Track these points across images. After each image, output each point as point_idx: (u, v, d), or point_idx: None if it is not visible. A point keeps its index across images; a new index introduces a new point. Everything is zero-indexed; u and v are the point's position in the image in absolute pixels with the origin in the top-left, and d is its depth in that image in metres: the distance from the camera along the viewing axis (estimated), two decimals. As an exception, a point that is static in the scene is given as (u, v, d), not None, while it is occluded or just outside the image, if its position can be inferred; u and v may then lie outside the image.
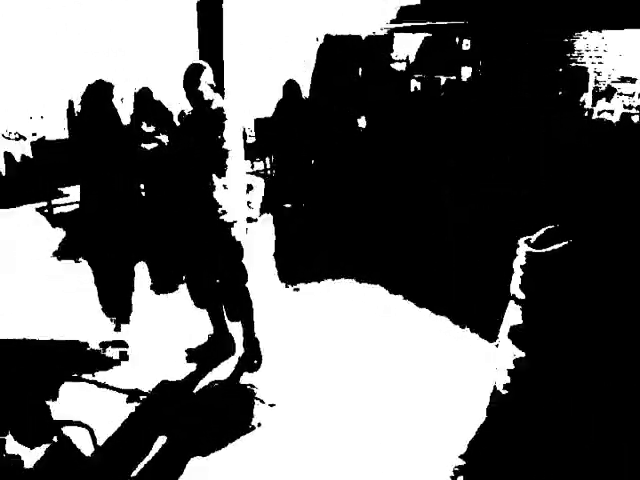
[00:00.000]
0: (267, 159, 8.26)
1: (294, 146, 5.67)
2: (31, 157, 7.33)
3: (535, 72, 4.64)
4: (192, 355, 3.63)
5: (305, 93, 6.54)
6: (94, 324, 3.98)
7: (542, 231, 2.47)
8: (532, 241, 2.46)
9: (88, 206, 3.97)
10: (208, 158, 3.05)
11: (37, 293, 4.47)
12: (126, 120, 3.88)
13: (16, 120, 8.10)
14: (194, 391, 3.30)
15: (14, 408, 3.03)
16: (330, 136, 6.32)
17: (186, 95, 3.07)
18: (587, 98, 4.40)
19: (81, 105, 3.81)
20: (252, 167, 8.99)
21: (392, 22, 6.01)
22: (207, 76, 3.06)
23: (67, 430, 2.91)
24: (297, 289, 4.70)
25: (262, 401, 3.21)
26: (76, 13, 8.41)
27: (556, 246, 2.25)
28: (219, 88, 7.19)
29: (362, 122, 6.31)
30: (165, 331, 3.95)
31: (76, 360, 3.54)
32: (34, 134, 7.99)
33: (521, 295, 2.41)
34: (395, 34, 5.90)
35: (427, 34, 5.57)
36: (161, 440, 2.89)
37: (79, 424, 2.95)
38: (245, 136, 8.37)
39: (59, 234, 5.86)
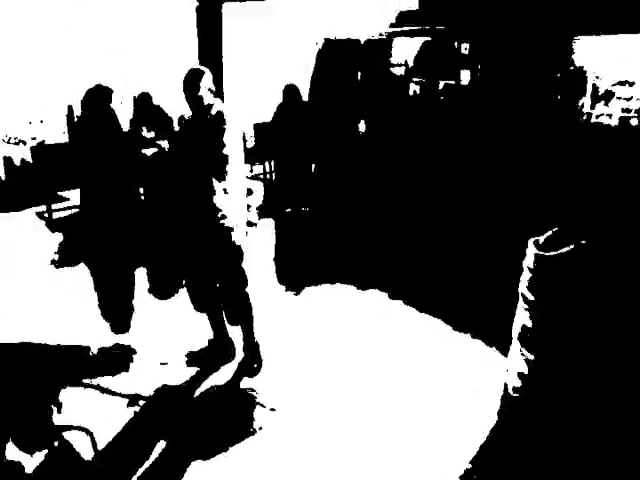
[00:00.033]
0: (266, 163, 8.27)
1: (294, 149, 5.68)
2: (31, 161, 7.34)
3: (534, 75, 4.66)
4: (192, 359, 3.62)
5: (305, 97, 6.56)
6: (94, 328, 3.98)
7: (550, 232, 2.48)
8: (541, 242, 2.46)
9: (88, 210, 3.97)
10: (208, 162, 3.06)
11: (37, 297, 4.46)
12: (125, 124, 3.89)
13: (16, 124, 8.11)
14: (194, 395, 3.30)
15: (14, 413, 3.03)
16: (330, 139, 6.34)
17: (186, 100, 3.09)
18: (586, 102, 4.42)
19: (80, 110, 3.83)
20: (251, 171, 9.01)
21: (391, 26, 6.03)
22: (207, 81, 3.07)
23: (67, 435, 2.91)
24: (297, 293, 4.70)
25: (262, 405, 3.21)
26: (76, 13, 8.43)
27: (565, 249, 2.26)
28: (218, 92, 7.20)
29: (361, 126, 6.33)
30: (165, 335, 3.95)
31: (77, 364, 3.54)
32: (34, 138, 8.01)
33: (530, 297, 2.41)
34: (394, 38, 5.92)
35: (426, 38, 5.59)
36: (161, 445, 2.88)
37: (79, 429, 2.95)
38: (244, 140, 8.38)
39: (58, 238, 5.86)
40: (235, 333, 3.90)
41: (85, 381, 3.39)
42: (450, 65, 5.39)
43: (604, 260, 2.19)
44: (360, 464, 2.76)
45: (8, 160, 7.46)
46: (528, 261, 2.44)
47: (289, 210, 5.99)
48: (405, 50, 5.86)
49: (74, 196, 7.42)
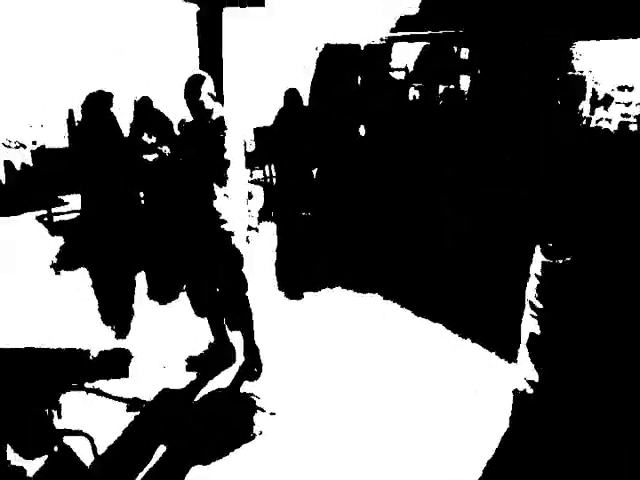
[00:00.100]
0: (267, 168, 8.28)
1: (295, 154, 5.69)
2: (31, 165, 7.36)
3: (533, 81, 4.68)
4: (192, 364, 3.62)
5: (305, 102, 6.57)
6: (94, 332, 3.98)
7: (556, 239, 2.48)
8: (548, 249, 2.46)
9: (89, 215, 3.98)
10: (209, 167, 3.07)
11: (37, 300, 4.46)
12: (126, 129, 3.90)
13: (16, 128, 8.11)
14: (194, 400, 3.30)
15: (14, 418, 3.03)
16: (330, 144, 6.35)
17: (187, 105, 3.10)
18: (585, 106, 4.44)
19: (81, 114, 3.84)
20: (251, 176, 9.02)
21: (391, 31, 6.05)
22: (208, 86, 3.08)
23: (68, 439, 2.91)
24: (297, 297, 4.70)
25: (263, 410, 3.21)
26: (76, 13, 8.45)
27: (571, 257, 2.27)
28: (218, 97, 7.22)
29: (361, 130, 6.35)
30: (165, 339, 3.95)
31: (77, 369, 3.54)
32: (34, 142, 8.01)
33: (539, 304, 2.42)
34: (394, 43, 5.94)
35: (426, 43, 5.61)
36: (162, 449, 2.88)
37: (79, 433, 2.95)
38: (245, 145, 8.40)
39: (58, 242, 5.87)
40: (235, 337, 3.90)
41: (85, 385, 3.39)
42: (450, 70, 5.41)
43: (606, 267, 2.20)
44: (361, 468, 2.76)
45: (9, 164, 7.47)
46: (535, 268, 2.44)
47: (289, 215, 5.99)
48: (405, 55, 5.88)
49: (74, 200, 7.43)
